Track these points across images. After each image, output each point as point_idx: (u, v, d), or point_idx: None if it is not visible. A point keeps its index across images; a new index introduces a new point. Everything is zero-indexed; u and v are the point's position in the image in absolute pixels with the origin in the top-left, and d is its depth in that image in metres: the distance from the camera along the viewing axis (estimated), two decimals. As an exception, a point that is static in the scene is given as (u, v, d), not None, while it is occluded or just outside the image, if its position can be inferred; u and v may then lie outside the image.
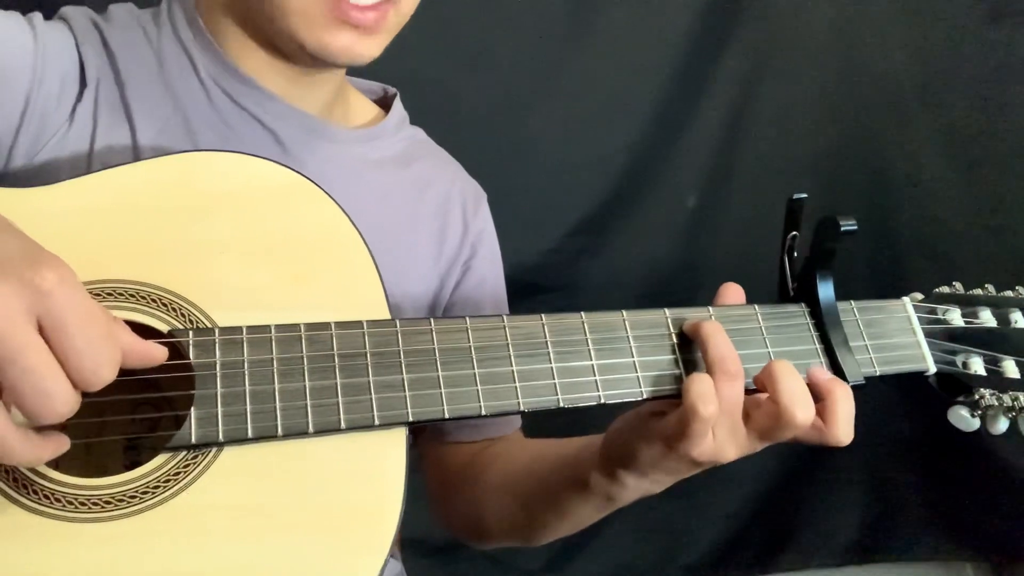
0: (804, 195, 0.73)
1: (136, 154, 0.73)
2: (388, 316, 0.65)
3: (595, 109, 1.55)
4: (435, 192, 0.89)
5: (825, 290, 0.71)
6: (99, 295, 0.59)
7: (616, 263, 1.59)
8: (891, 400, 1.70)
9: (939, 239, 1.61)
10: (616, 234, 1.59)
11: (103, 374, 0.49)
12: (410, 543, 0.93)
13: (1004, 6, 1.54)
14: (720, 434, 0.63)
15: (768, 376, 0.64)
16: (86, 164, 0.72)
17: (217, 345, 0.59)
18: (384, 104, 0.92)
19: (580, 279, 1.58)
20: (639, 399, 0.66)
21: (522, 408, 0.64)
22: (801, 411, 0.62)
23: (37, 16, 0.74)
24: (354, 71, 0.85)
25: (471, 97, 1.47)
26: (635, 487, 0.69)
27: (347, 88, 0.89)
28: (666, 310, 0.69)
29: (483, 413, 0.63)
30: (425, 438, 0.91)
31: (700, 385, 0.62)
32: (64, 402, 0.47)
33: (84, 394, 0.49)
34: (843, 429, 0.64)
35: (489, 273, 0.92)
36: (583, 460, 0.72)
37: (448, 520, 0.90)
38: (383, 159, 0.87)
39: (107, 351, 0.49)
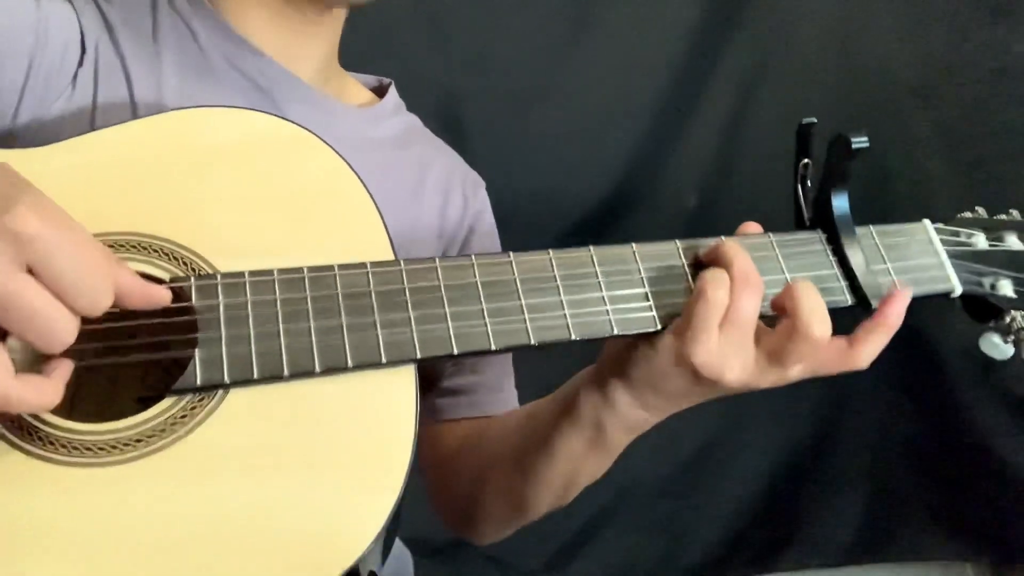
0: (813, 120, 0.71)
1: (136, 114, 0.74)
2: (392, 258, 0.64)
3: (595, 109, 1.55)
4: (436, 172, 0.89)
5: (840, 208, 0.67)
6: None
7: (616, 263, 1.60)
8: (891, 401, 1.70)
9: (939, 239, 1.61)
10: (616, 234, 1.59)
11: (100, 301, 0.51)
12: (410, 543, 0.93)
13: (1004, 6, 1.54)
14: (726, 343, 0.60)
15: (788, 294, 0.61)
16: (89, 126, 0.72)
17: (220, 289, 0.59)
18: (379, 92, 0.93)
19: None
20: (653, 329, 0.64)
21: (533, 341, 0.62)
22: (818, 326, 0.60)
23: None
24: (350, 62, 0.84)
25: (471, 97, 1.47)
26: (625, 411, 0.66)
27: (343, 72, 0.90)
28: (677, 241, 0.67)
29: (493, 348, 0.62)
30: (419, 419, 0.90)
31: (714, 272, 0.60)
32: (67, 329, 0.49)
33: (99, 338, 0.51)
34: (807, 317, 0.60)
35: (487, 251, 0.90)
36: (576, 382, 0.70)
37: (446, 507, 0.89)
38: (382, 139, 0.87)
39: (101, 279, 0.51)
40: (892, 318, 0.63)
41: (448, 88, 1.44)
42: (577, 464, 0.73)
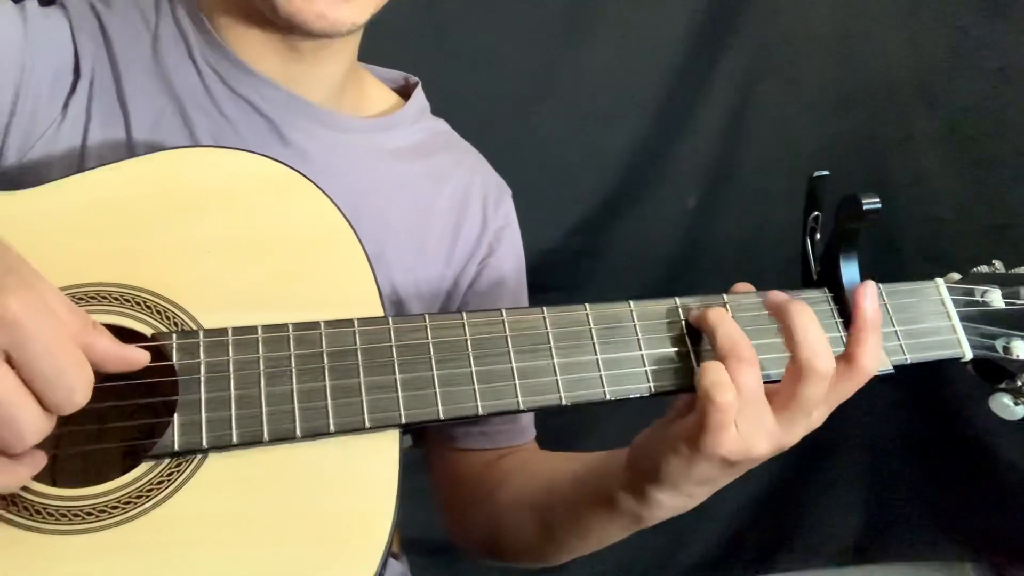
0: (825, 172, 0.68)
1: (130, 148, 0.71)
2: (381, 313, 0.62)
3: (595, 109, 1.55)
4: (454, 186, 0.85)
5: (849, 272, 0.66)
6: (82, 299, 0.58)
7: (616, 263, 1.59)
8: (892, 400, 1.70)
9: (939, 239, 1.61)
10: (616, 234, 1.59)
11: (75, 399, 0.48)
12: (410, 543, 0.92)
13: (1004, 6, 1.53)
14: (745, 425, 0.58)
15: (786, 331, 0.60)
16: (79, 159, 0.70)
17: (202, 348, 0.57)
18: (405, 94, 0.89)
19: (580, 279, 1.58)
20: (647, 395, 0.62)
21: (522, 407, 0.61)
22: (821, 361, 0.58)
23: (31, 5, 0.72)
24: (381, 66, 0.83)
25: (471, 97, 1.46)
26: (668, 504, 0.64)
27: (363, 76, 0.87)
28: (676, 299, 0.65)
29: (480, 413, 0.60)
30: (433, 443, 0.87)
31: (712, 373, 0.58)
32: (33, 431, 0.47)
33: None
34: (807, 355, 0.59)
35: (509, 272, 0.88)
36: (608, 477, 0.68)
37: (461, 535, 0.87)
38: (400, 149, 0.83)
39: (77, 376, 0.48)
40: (872, 315, 0.62)
41: (448, 88, 1.44)
42: (609, 540, 0.72)
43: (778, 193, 1.62)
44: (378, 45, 0.84)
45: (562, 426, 1.47)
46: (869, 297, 0.62)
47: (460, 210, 0.85)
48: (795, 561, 1.80)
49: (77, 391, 0.48)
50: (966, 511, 1.73)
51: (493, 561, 0.86)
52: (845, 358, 0.61)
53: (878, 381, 0.65)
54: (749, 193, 1.62)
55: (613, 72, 1.55)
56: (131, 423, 0.60)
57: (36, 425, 0.47)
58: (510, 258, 0.88)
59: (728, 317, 0.62)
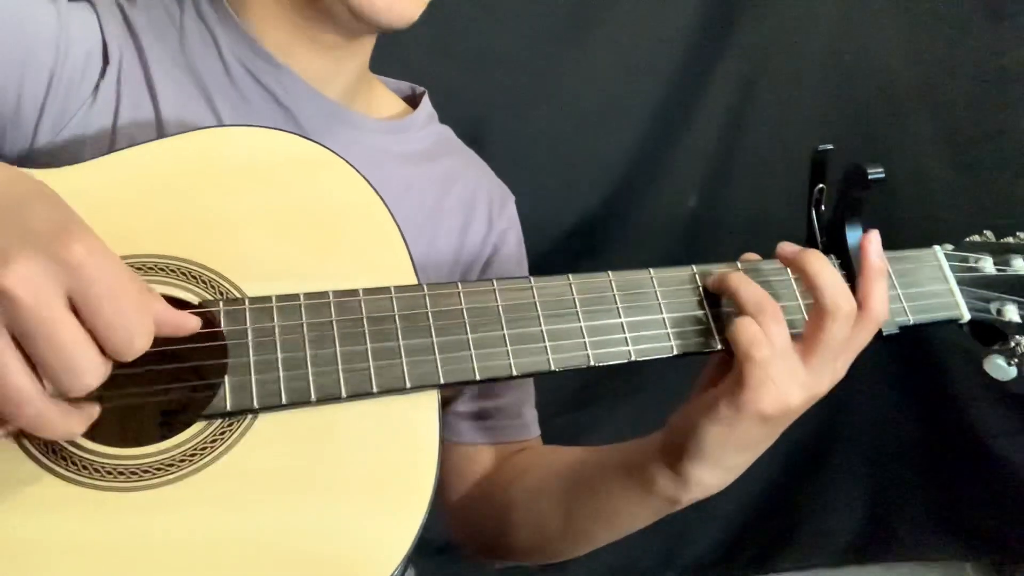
0: (829, 146, 0.71)
1: (160, 129, 0.73)
2: (415, 282, 0.65)
3: (595, 109, 1.55)
4: (460, 189, 0.87)
5: (854, 239, 0.68)
6: None
7: (616, 263, 1.59)
8: (892, 401, 1.70)
9: (939, 239, 1.61)
10: (616, 234, 1.59)
11: (136, 345, 0.49)
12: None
13: (1004, 6, 1.54)
14: (779, 377, 0.60)
15: (805, 275, 0.62)
16: (110, 140, 0.72)
17: (248, 314, 0.60)
18: (413, 103, 0.91)
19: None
20: (670, 355, 0.65)
21: (553, 367, 0.63)
22: (844, 301, 0.61)
23: None
24: (382, 67, 0.84)
25: (470, 97, 1.47)
26: (706, 481, 0.65)
27: (374, 81, 0.89)
28: (693, 267, 0.69)
29: (514, 373, 0.63)
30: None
31: (748, 329, 0.61)
32: (95, 376, 0.47)
33: (119, 365, 0.50)
34: (831, 295, 0.61)
35: (513, 271, 0.90)
36: (642, 459, 0.69)
37: (469, 535, 0.87)
38: (408, 153, 0.85)
39: (139, 322, 0.49)
40: (876, 259, 0.65)
41: (448, 88, 1.44)
42: (635, 526, 0.73)
43: (778, 193, 1.62)
44: (378, 45, 0.85)
45: (563, 426, 1.48)
46: (874, 244, 0.66)
47: (467, 211, 0.87)
48: (795, 561, 1.80)
49: (139, 335, 0.49)
50: (966, 511, 1.73)
51: (500, 562, 0.87)
52: (857, 303, 0.64)
53: (884, 347, 0.68)
54: (749, 192, 1.62)
55: (613, 72, 1.55)
56: (174, 386, 0.61)
57: (96, 369, 0.48)
58: (514, 259, 0.91)
59: (748, 278, 0.65)
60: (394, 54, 0.91)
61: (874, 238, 0.66)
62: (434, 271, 0.83)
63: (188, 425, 0.58)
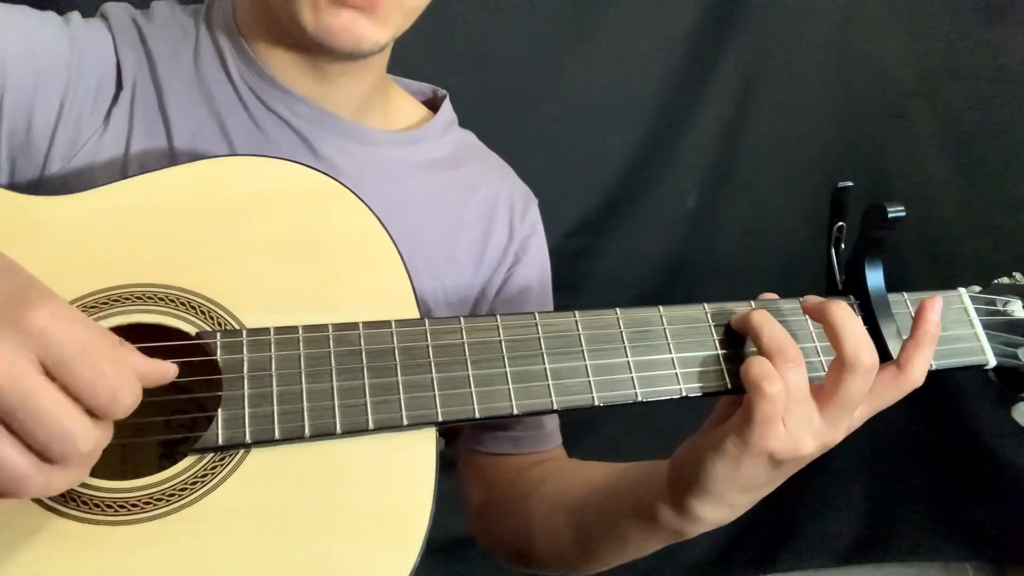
0: (849, 183, 0.68)
1: (172, 157, 0.72)
2: (417, 316, 0.64)
3: (595, 109, 1.55)
4: (481, 196, 0.86)
5: (875, 279, 0.66)
6: (128, 299, 0.59)
7: (616, 263, 1.59)
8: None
9: (939, 239, 1.61)
10: (616, 234, 1.59)
11: (121, 399, 0.47)
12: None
13: (1004, 6, 1.54)
14: (793, 423, 0.59)
15: (828, 326, 0.61)
16: (122, 168, 0.71)
17: (245, 345, 0.59)
18: (433, 106, 0.90)
19: (580, 279, 1.58)
20: (678, 396, 0.63)
21: (555, 407, 0.62)
22: (865, 354, 0.59)
23: (75, 16, 0.74)
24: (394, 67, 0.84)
25: (470, 97, 1.46)
26: (708, 517, 0.64)
27: (391, 90, 0.88)
28: (705, 305, 0.66)
29: (515, 412, 0.61)
30: (461, 449, 0.87)
31: (760, 366, 0.59)
32: (86, 439, 0.46)
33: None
34: (852, 348, 0.60)
35: (534, 280, 0.89)
36: (647, 490, 0.68)
37: (492, 541, 0.86)
38: (428, 161, 0.85)
39: (117, 375, 0.47)
40: (932, 327, 0.63)
41: (448, 88, 1.44)
42: (646, 551, 0.73)
43: (778, 193, 1.62)
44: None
45: (561, 427, 1.47)
46: (935, 310, 0.63)
47: (488, 220, 0.86)
48: (795, 561, 1.80)
49: (121, 390, 0.47)
50: (966, 511, 1.73)
51: (524, 568, 0.86)
52: (898, 363, 0.63)
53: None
54: (749, 193, 1.62)
55: (613, 72, 1.54)
56: (169, 418, 0.61)
57: (88, 433, 0.46)
58: (535, 267, 0.89)
59: (771, 319, 0.62)
60: (394, 54, 0.91)
61: (936, 305, 0.64)
62: (453, 284, 0.82)
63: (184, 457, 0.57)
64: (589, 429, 1.58)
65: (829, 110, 1.61)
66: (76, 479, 0.48)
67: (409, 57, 0.97)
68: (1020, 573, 1.76)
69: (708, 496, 0.62)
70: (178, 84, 0.75)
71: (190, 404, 0.62)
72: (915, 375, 0.63)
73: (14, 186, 0.68)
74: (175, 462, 0.57)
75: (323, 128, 0.78)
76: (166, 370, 0.52)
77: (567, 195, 1.56)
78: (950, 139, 1.60)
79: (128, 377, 0.48)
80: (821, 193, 1.73)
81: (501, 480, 0.85)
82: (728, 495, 0.63)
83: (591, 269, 1.58)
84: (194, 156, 0.71)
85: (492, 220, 0.86)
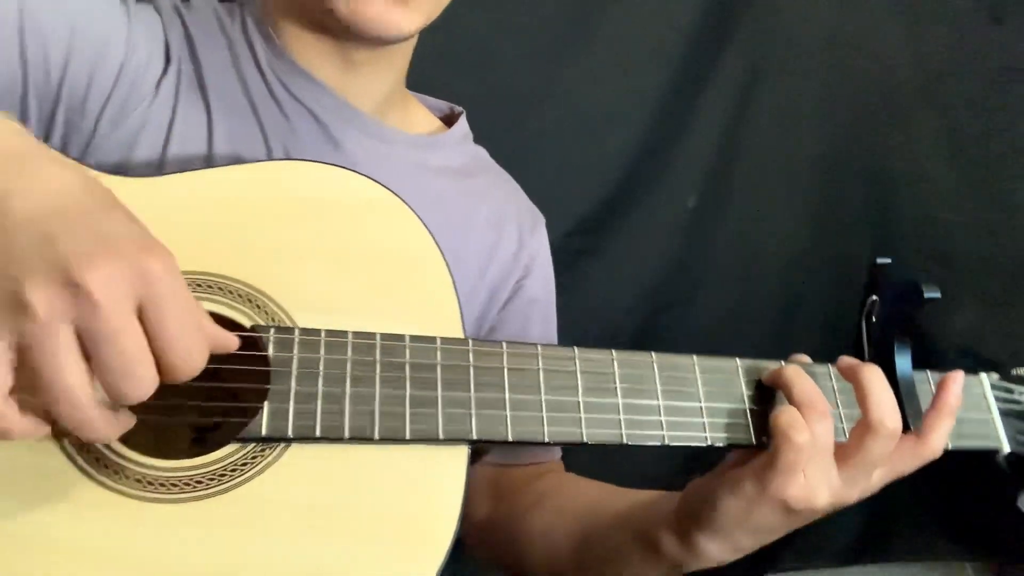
0: (888, 260, 0.72)
1: (209, 132, 0.75)
2: (462, 336, 0.65)
3: (595, 109, 1.55)
4: (491, 206, 0.88)
5: (903, 361, 0.68)
6: (190, 285, 0.60)
7: (616, 263, 1.59)
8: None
9: (939, 239, 1.61)
10: (616, 234, 1.59)
11: (194, 364, 0.50)
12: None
13: (1004, 6, 1.54)
14: (813, 473, 0.61)
15: (858, 385, 0.63)
16: (165, 137, 0.74)
17: (296, 344, 0.61)
18: (449, 121, 0.93)
19: (580, 279, 1.58)
20: (703, 444, 0.65)
21: (585, 440, 0.63)
22: (890, 418, 0.62)
23: None
24: (419, 86, 0.87)
25: (470, 98, 1.46)
26: (712, 555, 0.66)
27: (409, 98, 0.91)
28: (737, 359, 0.69)
29: (546, 440, 0.63)
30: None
31: (790, 415, 0.61)
32: (148, 388, 0.48)
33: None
34: (878, 413, 0.62)
35: (540, 296, 0.91)
36: (654, 520, 0.69)
37: (488, 553, 0.87)
38: (442, 168, 0.87)
39: (199, 344, 0.50)
40: (953, 401, 0.66)
41: (448, 88, 1.44)
42: None
43: (778, 193, 1.62)
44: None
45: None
46: (957, 383, 0.67)
47: (497, 229, 0.88)
48: (795, 561, 1.80)
49: (194, 359, 0.49)
50: (966, 511, 1.73)
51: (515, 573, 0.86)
52: (918, 432, 0.65)
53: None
54: (749, 193, 1.62)
55: (613, 72, 1.54)
56: (204, 404, 0.62)
57: (151, 382, 0.48)
58: (542, 283, 0.92)
59: (804, 374, 0.64)
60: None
61: (959, 378, 0.67)
62: (459, 288, 0.84)
63: (220, 445, 0.59)
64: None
65: (829, 110, 1.61)
66: (116, 432, 0.50)
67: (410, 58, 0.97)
68: (1020, 573, 1.76)
69: (716, 534, 0.64)
70: (215, 68, 0.78)
71: (227, 395, 0.63)
72: (934, 445, 0.66)
73: (66, 145, 0.71)
74: (206, 449, 0.59)
75: (345, 120, 0.80)
76: (230, 341, 0.54)
77: (567, 195, 1.56)
78: (950, 139, 1.60)
79: (204, 343, 0.50)
80: (821, 193, 1.74)
81: (505, 491, 0.85)
82: (735, 535, 0.64)
83: (591, 269, 1.58)
84: (230, 135, 0.75)
85: (501, 229, 0.88)
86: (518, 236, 0.89)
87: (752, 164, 1.61)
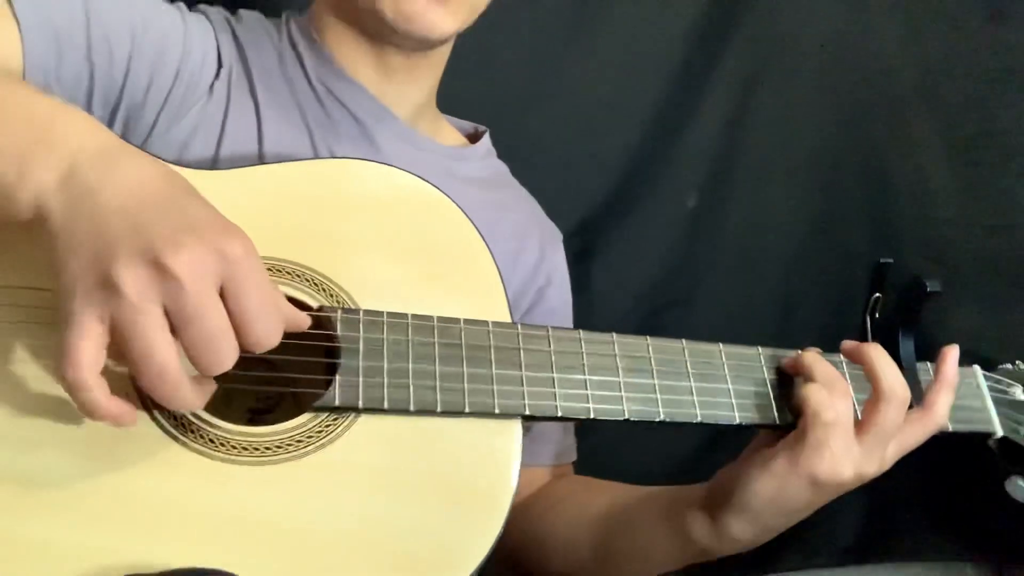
0: (890, 260, 0.80)
1: (260, 132, 0.80)
2: (510, 321, 0.72)
3: (595, 109, 1.55)
4: (514, 218, 0.93)
5: (907, 349, 0.75)
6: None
7: (616, 263, 1.59)
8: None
9: (939, 239, 1.61)
10: (616, 234, 1.59)
11: (272, 340, 0.54)
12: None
13: (1004, 6, 1.53)
14: (837, 448, 0.66)
15: (867, 362, 0.69)
16: (218, 136, 0.79)
17: (361, 324, 0.67)
18: (473, 139, 0.99)
19: (580, 279, 1.57)
20: (732, 423, 0.70)
21: (627, 416, 0.68)
22: (900, 388, 0.67)
23: (181, 4, 0.83)
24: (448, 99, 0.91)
25: (471, 97, 1.46)
26: (741, 537, 0.70)
27: (439, 115, 0.97)
28: (759, 348, 0.75)
29: (592, 416, 0.68)
30: None
31: (819, 393, 0.66)
32: (230, 361, 0.52)
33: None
34: (888, 383, 0.67)
35: (559, 308, 0.96)
36: (683, 501, 0.73)
37: (502, 555, 0.88)
38: (468, 178, 0.92)
39: (276, 320, 0.54)
40: (951, 374, 0.73)
41: (448, 88, 1.44)
42: (670, 568, 0.78)
43: (778, 193, 1.62)
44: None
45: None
46: (952, 357, 0.74)
47: (520, 239, 0.94)
48: (795, 561, 1.80)
49: (275, 331, 0.54)
50: (966, 511, 1.73)
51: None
52: (923, 405, 0.72)
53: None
54: (749, 193, 1.62)
55: (613, 72, 1.55)
56: (277, 375, 0.67)
57: (233, 357, 0.52)
58: (561, 295, 0.98)
59: (822, 358, 0.71)
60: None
61: (953, 352, 0.74)
62: None
63: (285, 416, 0.64)
64: (587, 431, 1.58)
65: (829, 110, 1.61)
66: (202, 401, 0.55)
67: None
68: (1020, 573, 1.76)
69: (746, 514, 0.69)
70: (263, 71, 0.83)
71: (285, 379, 0.68)
72: (939, 414, 0.72)
73: (126, 140, 0.75)
74: (263, 417, 0.66)
75: (382, 123, 0.86)
76: (302, 319, 0.59)
77: (567, 195, 1.56)
78: (950, 139, 1.60)
79: (280, 321, 0.54)
80: (821, 193, 1.74)
81: (524, 491, 0.88)
82: (765, 514, 0.69)
83: (591, 269, 1.58)
84: (279, 135, 0.81)
85: (524, 240, 0.94)
86: (539, 248, 0.95)
87: (752, 164, 1.61)
